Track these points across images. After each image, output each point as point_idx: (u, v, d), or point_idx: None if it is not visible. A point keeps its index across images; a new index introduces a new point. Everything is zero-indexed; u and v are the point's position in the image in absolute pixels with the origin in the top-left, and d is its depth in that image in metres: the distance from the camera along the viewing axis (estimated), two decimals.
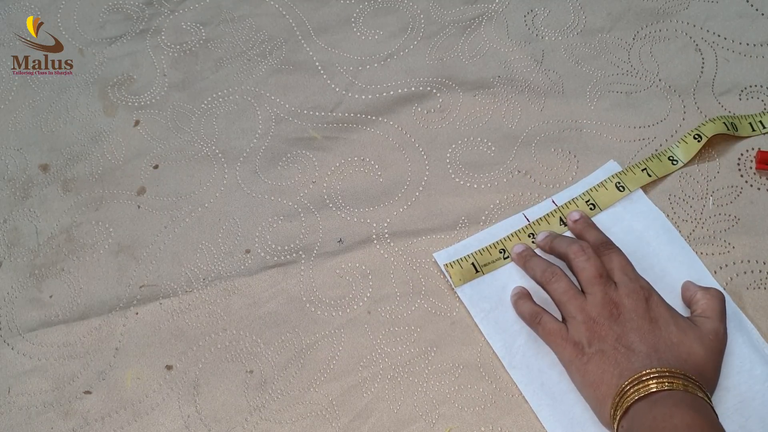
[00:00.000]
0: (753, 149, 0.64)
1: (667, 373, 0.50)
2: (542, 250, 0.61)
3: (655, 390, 0.49)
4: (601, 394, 0.52)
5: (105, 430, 0.59)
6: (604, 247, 0.58)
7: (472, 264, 0.61)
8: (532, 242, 0.62)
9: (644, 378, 0.50)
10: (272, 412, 0.59)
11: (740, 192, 0.63)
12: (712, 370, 0.53)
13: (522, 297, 0.59)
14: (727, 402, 0.54)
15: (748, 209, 0.62)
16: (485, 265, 0.61)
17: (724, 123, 0.63)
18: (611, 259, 0.57)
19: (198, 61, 0.73)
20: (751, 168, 0.63)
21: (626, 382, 0.50)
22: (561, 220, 0.62)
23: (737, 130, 0.63)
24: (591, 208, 0.62)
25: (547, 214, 0.62)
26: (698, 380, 0.50)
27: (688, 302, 0.57)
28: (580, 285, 0.57)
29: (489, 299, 0.60)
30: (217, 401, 0.59)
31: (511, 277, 0.61)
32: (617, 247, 0.58)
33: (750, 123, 0.64)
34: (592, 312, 0.54)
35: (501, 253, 0.61)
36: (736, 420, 0.53)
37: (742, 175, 0.63)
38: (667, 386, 0.49)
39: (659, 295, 0.55)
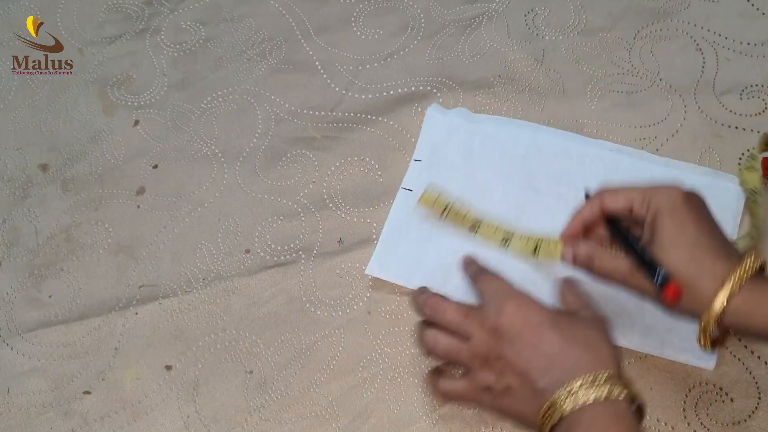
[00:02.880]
0: (753, 149, 0.64)
1: (573, 384, 0.48)
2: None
3: (568, 412, 0.48)
4: (528, 423, 0.51)
5: (104, 430, 0.59)
6: (480, 274, 0.57)
7: (446, 206, 0.61)
8: (505, 246, 0.61)
9: (554, 404, 0.49)
10: (272, 412, 0.59)
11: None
12: (604, 343, 0.52)
13: (432, 377, 0.56)
14: None
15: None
16: (450, 218, 0.61)
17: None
18: (486, 283, 0.55)
19: (198, 60, 0.72)
20: None
21: (541, 411, 0.49)
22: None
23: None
24: None
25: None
26: (600, 365, 0.49)
27: (560, 302, 0.57)
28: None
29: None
30: (216, 401, 0.59)
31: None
32: (494, 273, 0.56)
33: None
34: (481, 352, 0.52)
35: (472, 229, 0.61)
36: None
37: None
38: (574, 406, 0.48)
39: (531, 299, 0.53)
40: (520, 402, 0.51)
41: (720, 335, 0.55)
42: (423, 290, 0.56)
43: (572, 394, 0.48)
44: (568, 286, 0.57)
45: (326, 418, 0.58)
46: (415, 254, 0.62)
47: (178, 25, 0.74)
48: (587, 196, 0.58)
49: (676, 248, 0.52)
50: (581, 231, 0.57)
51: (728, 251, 0.52)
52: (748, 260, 0.51)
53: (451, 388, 0.54)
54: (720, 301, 0.50)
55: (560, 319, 0.52)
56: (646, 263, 0.52)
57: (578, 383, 0.48)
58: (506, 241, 0.61)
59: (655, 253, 0.53)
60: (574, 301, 0.56)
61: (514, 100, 0.68)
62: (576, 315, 0.54)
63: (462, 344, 0.53)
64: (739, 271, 0.50)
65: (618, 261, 0.54)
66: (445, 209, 0.61)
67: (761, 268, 0.51)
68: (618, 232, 0.56)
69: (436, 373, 0.56)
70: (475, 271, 0.57)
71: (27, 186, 0.69)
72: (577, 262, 0.56)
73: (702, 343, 0.53)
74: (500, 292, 0.54)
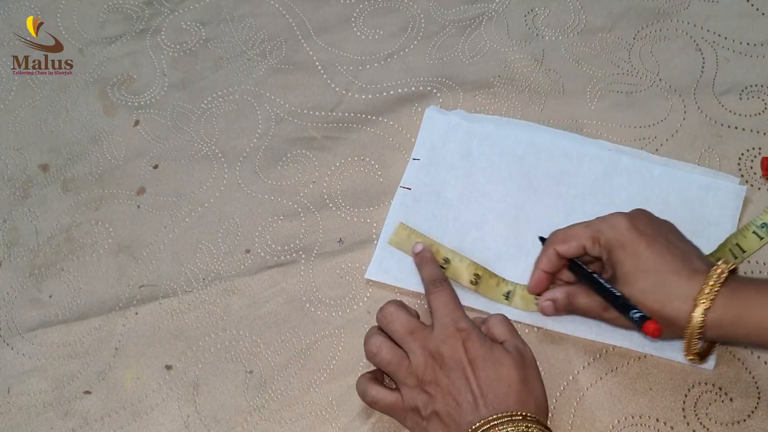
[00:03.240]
0: (753, 149, 0.64)
1: (493, 422, 0.49)
2: None
3: None
4: None
5: (105, 430, 0.59)
6: (433, 285, 0.56)
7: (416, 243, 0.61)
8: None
9: None
10: (272, 412, 0.59)
11: None
12: (533, 384, 0.52)
13: (361, 377, 0.56)
14: None
15: (748, 209, 0.62)
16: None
17: None
18: (435, 300, 0.55)
19: (198, 60, 0.72)
20: (751, 168, 0.63)
21: None
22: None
23: None
24: None
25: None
26: (521, 410, 0.50)
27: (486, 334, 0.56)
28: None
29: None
30: (216, 401, 0.59)
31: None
32: (444, 285, 0.56)
33: None
34: (419, 373, 0.53)
35: (444, 261, 0.61)
36: None
37: (743, 175, 0.63)
38: None
39: (478, 332, 0.53)
40: (442, 431, 0.51)
41: (707, 345, 0.55)
42: (392, 300, 0.56)
43: (490, 426, 0.49)
44: (496, 320, 0.56)
45: (326, 418, 0.58)
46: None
47: (179, 25, 0.74)
48: (542, 241, 0.59)
49: (638, 281, 0.52)
50: (547, 280, 0.58)
51: (692, 266, 0.52)
52: (715, 273, 0.51)
53: (380, 399, 0.55)
54: (696, 321, 0.51)
55: (491, 356, 0.52)
56: (618, 305, 0.53)
57: (497, 419, 0.49)
58: (477, 278, 0.60)
59: (620, 288, 0.53)
60: (503, 332, 0.55)
61: (514, 100, 0.68)
62: (502, 348, 0.53)
63: (403, 359, 0.54)
64: (707, 287, 0.50)
65: (592, 298, 0.55)
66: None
67: (733, 272, 0.51)
68: (582, 273, 0.56)
69: (371, 378, 0.56)
70: (429, 278, 0.57)
71: (27, 186, 0.69)
72: (558, 311, 0.57)
73: (689, 358, 0.53)
74: (450, 315, 0.54)
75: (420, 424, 0.53)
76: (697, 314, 0.50)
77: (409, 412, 0.53)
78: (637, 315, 0.52)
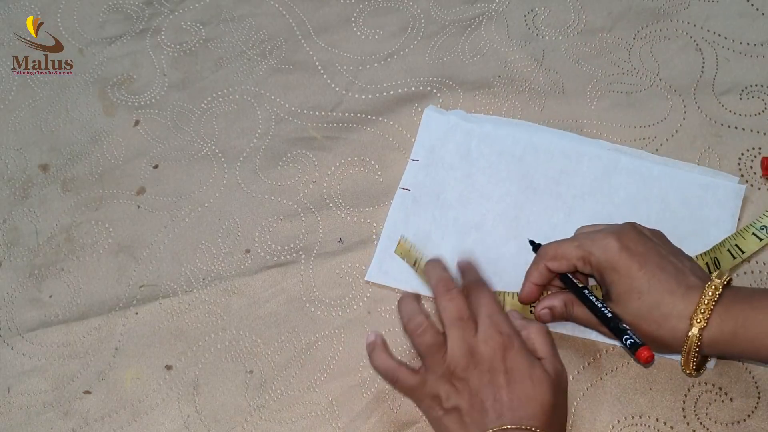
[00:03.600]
0: (753, 149, 0.64)
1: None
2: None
3: None
4: None
5: (105, 430, 0.59)
6: (475, 286, 0.56)
7: (416, 259, 0.60)
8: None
9: None
10: (272, 412, 0.59)
11: None
12: (562, 411, 0.52)
13: (378, 349, 0.56)
14: None
15: (748, 209, 0.62)
16: (419, 272, 0.60)
17: None
18: (478, 299, 0.54)
19: (198, 60, 0.72)
20: (751, 168, 0.63)
21: None
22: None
23: None
24: None
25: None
26: (543, 425, 0.50)
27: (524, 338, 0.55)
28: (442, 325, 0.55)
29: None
30: (217, 401, 0.59)
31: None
32: (488, 288, 0.56)
33: None
34: (452, 364, 0.52)
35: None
36: None
37: (742, 175, 0.63)
38: None
39: (521, 342, 0.53)
40: (461, 427, 0.51)
41: (703, 357, 0.55)
42: (439, 264, 0.56)
43: None
44: (538, 330, 0.55)
45: (326, 418, 0.58)
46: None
47: (179, 26, 0.74)
48: (533, 245, 0.59)
49: (632, 302, 0.52)
50: (538, 291, 0.57)
51: (687, 282, 0.51)
52: (709, 290, 0.50)
53: (404, 380, 0.54)
54: (693, 340, 0.50)
55: (529, 373, 0.51)
56: (610, 328, 0.53)
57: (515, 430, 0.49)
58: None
59: (614, 308, 0.53)
60: (543, 346, 0.54)
61: (514, 100, 0.68)
62: (542, 367, 0.53)
63: (441, 347, 0.53)
64: (702, 305, 0.50)
65: (588, 312, 0.55)
66: (415, 263, 0.61)
67: (727, 284, 0.51)
68: (573, 289, 0.56)
69: (400, 363, 0.55)
70: (471, 280, 0.57)
71: (27, 186, 0.69)
72: (555, 319, 0.57)
73: (687, 373, 0.53)
74: (492, 317, 0.53)
75: (437, 412, 0.53)
76: (694, 333, 0.50)
77: (428, 398, 0.53)
78: (629, 341, 0.51)
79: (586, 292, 0.55)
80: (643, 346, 0.51)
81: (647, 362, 0.51)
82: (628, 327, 0.52)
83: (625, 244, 0.53)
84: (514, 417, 0.50)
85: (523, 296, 0.58)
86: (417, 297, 0.57)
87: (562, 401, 0.53)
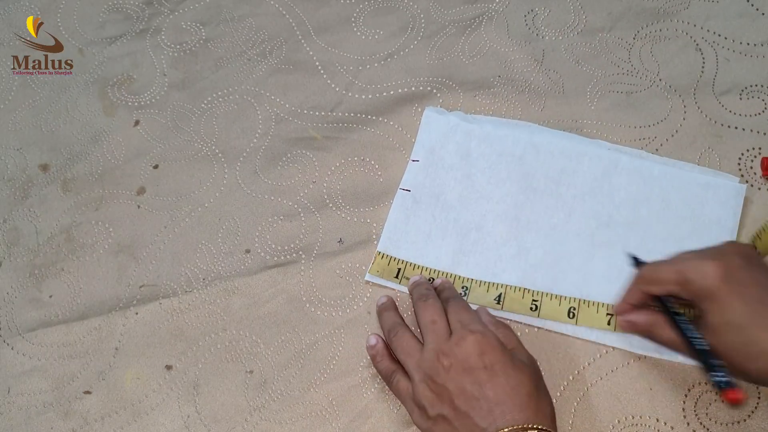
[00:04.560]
0: (753, 149, 0.64)
1: None
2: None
3: None
4: None
5: (105, 430, 0.59)
6: (450, 299, 0.57)
7: (398, 269, 0.62)
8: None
9: None
10: (272, 412, 0.59)
11: None
12: (545, 395, 0.52)
13: (380, 353, 0.57)
14: None
15: (749, 209, 0.62)
16: (408, 278, 0.61)
17: None
18: (449, 307, 0.56)
19: (198, 61, 0.72)
20: (751, 168, 0.63)
21: None
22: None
23: None
24: None
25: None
26: (538, 423, 0.49)
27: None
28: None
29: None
30: (217, 401, 0.59)
31: None
32: (459, 296, 0.58)
33: None
34: (426, 368, 0.53)
35: (430, 281, 0.61)
36: None
37: (742, 174, 0.63)
38: None
39: (494, 335, 0.53)
40: None
41: None
42: (421, 281, 0.59)
43: None
44: (503, 326, 0.56)
45: (326, 418, 0.58)
46: (414, 257, 0.62)
47: (179, 26, 0.74)
48: (636, 262, 0.57)
49: (727, 335, 0.50)
50: (632, 310, 0.56)
51: None
52: None
53: (396, 384, 0.55)
54: None
55: (510, 364, 0.51)
56: (701, 361, 0.51)
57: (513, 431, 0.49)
58: (466, 289, 0.61)
59: (705, 335, 0.51)
60: (509, 340, 0.55)
61: (514, 101, 0.68)
62: (516, 356, 0.53)
63: (417, 350, 0.54)
64: None
65: (675, 334, 0.53)
66: (398, 273, 0.61)
67: None
68: (667, 313, 0.54)
69: (398, 367, 0.56)
70: (446, 296, 0.58)
71: (27, 186, 0.69)
72: (633, 332, 0.56)
73: None
74: (462, 319, 0.54)
75: (426, 422, 0.53)
76: None
77: (417, 407, 0.53)
78: (724, 380, 0.49)
79: (681, 319, 0.53)
80: (735, 388, 0.49)
81: (736, 404, 0.49)
82: (722, 364, 0.50)
83: (729, 273, 0.50)
84: (503, 410, 0.50)
85: (617, 311, 0.57)
86: (395, 311, 0.59)
87: (542, 386, 0.53)
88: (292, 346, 0.61)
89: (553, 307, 0.59)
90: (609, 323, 0.58)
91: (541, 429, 0.49)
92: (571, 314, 0.59)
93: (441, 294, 0.59)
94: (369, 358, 0.59)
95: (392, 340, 0.56)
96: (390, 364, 0.57)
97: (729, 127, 0.65)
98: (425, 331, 0.55)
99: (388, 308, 0.59)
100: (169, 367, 0.61)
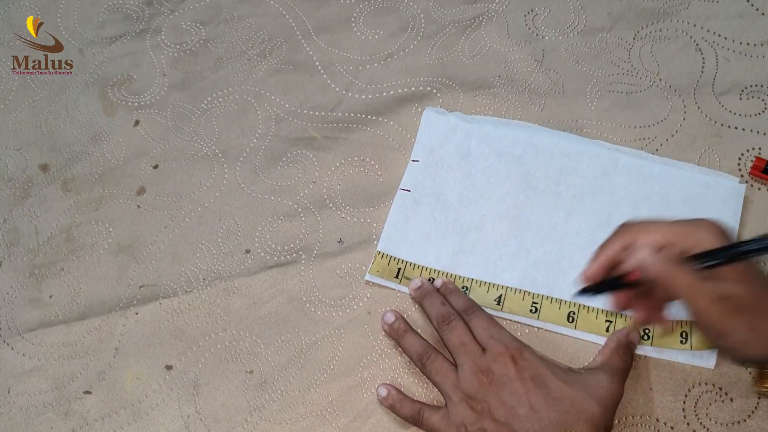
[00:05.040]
0: (753, 149, 0.64)
1: None
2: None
3: None
4: None
5: (105, 430, 0.59)
6: (467, 311, 0.57)
7: (398, 269, 0.62)
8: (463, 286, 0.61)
9: None
10: (272, 412, 0.59)
11: None
12: (610, 419, 0.52)
13: (397, 400, 0.56)
14: None
15: (749, 209, 0.62)
16: (408, 278, 0.61)
17: None
18: (474, 322, 0.55)
19: (198, 61, 0.72)
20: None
21: None
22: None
23: None
24: None
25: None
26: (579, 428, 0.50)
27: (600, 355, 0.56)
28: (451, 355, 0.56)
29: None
30: (217, 401, 0.59)
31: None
32: (480, 309, 0.57)
33: None
34: (465, 387, 0.53)
35: (430, 281, 0.61)
36: None
37: (742, 175, 0.63)
38: None
39: (530, 350, 0.54)
40: None
41: None
42: (432, 296, 0.57)
43: None
44: (620, 345, 0.56)
45: (326, 418, 0.58)
46: (414, 257, 0.62)
47: (179, 26, 0.74)
48: (582, 291, 0.55)
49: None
50: (605, 271, 0.52)
51: None
52: None
53: (428, 417, 0.55)
54: None
55: (552, 376, 0.52)
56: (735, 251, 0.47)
57: None
58: (466, 289, 0.61)
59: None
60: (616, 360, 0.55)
61: (514, 101, 0.68)
62: (577, 373, 0.53)
63: (452, 372, 0.54)
64: None
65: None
66: (398, 273, 0.61)
67: None
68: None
69: (422, 403, 0.56)
70: (462, 307, 0.57)
71: (27, 186, 0.69)
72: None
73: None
74: (494, 335, 0.54)
75: None
76: None
77: (453, 428, 0.53)
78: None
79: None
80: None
81: None
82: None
83: (720, 226, 0.49)
84: (541, 417, 0.50)
85: (586, 275, 0.53)
86: (414, 331, 0.58)
87: (607, 408, 0.52)
88: (292, 346, 0.61)
89: (553, 310, 0.59)
90: (608, 330, 0.58)
91: None
92: (570, 318, 0.59)
93: (453, 302, 0.58)
94: (368, 359, 0.59)
95: (425, 365, 0.55)
96: (412, 404, 0.56)
97: (729, 127, 0.65)
98: (457, 354, 0.54)
99: (406, 330, 0.58)
100: (169, 367, 0.61)
